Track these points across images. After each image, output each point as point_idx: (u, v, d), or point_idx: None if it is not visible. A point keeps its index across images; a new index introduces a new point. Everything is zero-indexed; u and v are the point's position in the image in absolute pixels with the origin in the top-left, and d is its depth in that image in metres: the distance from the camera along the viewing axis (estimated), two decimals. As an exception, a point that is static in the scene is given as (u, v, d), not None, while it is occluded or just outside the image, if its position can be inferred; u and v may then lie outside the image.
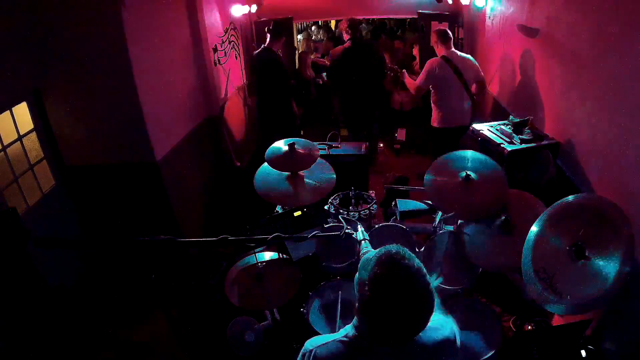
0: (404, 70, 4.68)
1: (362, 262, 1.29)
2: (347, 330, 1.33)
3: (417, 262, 1.23)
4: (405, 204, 3.32)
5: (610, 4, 2.46)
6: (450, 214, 2.50)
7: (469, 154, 2.56)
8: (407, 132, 6.19)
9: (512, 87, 4.19)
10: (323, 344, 1.32)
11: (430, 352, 1.31)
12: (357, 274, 1.29)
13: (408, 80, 4.58)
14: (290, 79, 5.51)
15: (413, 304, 1.18)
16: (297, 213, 2.57)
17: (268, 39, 5.05)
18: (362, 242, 2.21)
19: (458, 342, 1.39)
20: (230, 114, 5.46)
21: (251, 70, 5.58)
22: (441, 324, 1.39)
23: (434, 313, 1.28)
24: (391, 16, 7.80)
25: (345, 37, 5.04)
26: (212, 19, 4.88)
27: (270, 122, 5.46)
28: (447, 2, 5.56)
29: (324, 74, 6.49)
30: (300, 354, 1.36)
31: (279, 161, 2.68)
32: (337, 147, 3.85)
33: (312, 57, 6.98)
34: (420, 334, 1.29)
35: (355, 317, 1.32)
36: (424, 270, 1.23)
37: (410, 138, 6.18)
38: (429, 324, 1.33)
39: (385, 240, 2.50)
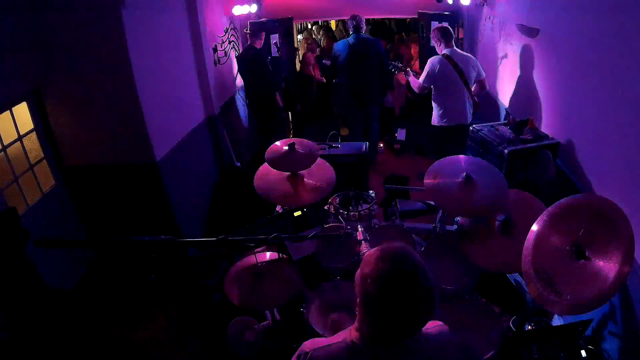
0: (408, 69, 4.67)
1: (364, 259, 1.28)
2: (346, 334, 1.32)
3: (418, 257, 1.23)
4: (405, 204, 3.32)
5: (610, 3, 2.47)
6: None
7: (468, 157, 2.57)
8: (407, 132, 6.19)
9: (512, 87, 4.19)
10: (321, 347, 1.31)
11: (430, 356, 1.31)
12: (358, 272, 1.27)
13: (412, 79, 4.57)
14: (274, 75, 5.58)
15: (417, 297, 1.17)
16: (297, 213, 2.57)
17: (249, 39, 5.25)
18: (362, 242, 2.21)
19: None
20: (230, 114, 5.47)
21: (239, 71, 5.66)
22: (440, 330, 1.38)
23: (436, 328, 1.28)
24: (391, 16, 7.80)
25: (350, 32, 5.08)
26: (212, 19, 4.89)
27: (261, 118, 5.62)
28: (447, 2, 5.56)
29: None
30: (296, 355, 1.35)
31: (279, 161, 2.68)
32: (337, 147, 3.85)
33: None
34: (423, 341, 1.29)
35: (356, 320, 1.31)
36: (425, 266, 1.23)
37: (410, 138, 6.18)
38: (432, 333, 1.33)
39: (385, 241, 2.51)
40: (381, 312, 1.19)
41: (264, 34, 5.39)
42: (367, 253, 1.28)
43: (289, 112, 6.32)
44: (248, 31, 5.33)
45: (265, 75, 5.37)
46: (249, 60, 5.30)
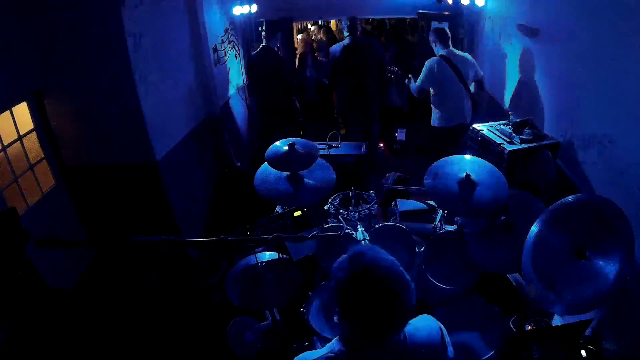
0: (410, 75, 4.66)
1: (336, 265, 1.31)
2: (333, 345, 1.34)
3: (390, 257, 1.27)
4: (405, 204, 3.32)
5: (610, 3, 2.47)
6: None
7: (468, 157, 2.56)
8: (407, 132, 6.19)
9: (512, 87, 4.19)
10: None
11: (416, 355, 1.32)
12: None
13: (413, 84, 4.56)
14: (291, 77, 5.51)
15: (386, 290, 1.20)
16: (297, 213, 2.57)
17: (264, 39, 5.10)
18: (362, 242, 2.21)
19: (446, 339, 1.39)
20: (230, 114, 5.46)
21: (250, 71, 5.59)
22: (424, 325, 1.39)
23: (418, 317, 1.30)
24: (391, 16, 7.80)
25: (345, 34, 5.05)
26: (212, 19, 4.89)
27: (272, 121, 5.47)
28: (447, 2, 5.56)
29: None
30: None
31: (279, 161, 2.68)
32: (337, 147, 3.85)
33: (317, 55, 6.96)
34: (405, 338, 1.29)
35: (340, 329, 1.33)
36: (397, 262, 1.26)
37: (410, 138, 6.18)
38: (413, 326, 1.34)
39: (385, 240, 2.51)
40: (355, 310, 1.22)
41: (280, 33, 5.27)
42: (337, 261, 1.31)
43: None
44: (263, 29, 5.12)
45: (283, 78, 5.23)
46: (267, 62, 5.10)
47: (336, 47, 5.13)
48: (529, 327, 2.31)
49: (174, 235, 1.59)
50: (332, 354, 1.30)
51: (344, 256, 1.30)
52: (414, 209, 3.28)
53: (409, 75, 4.64)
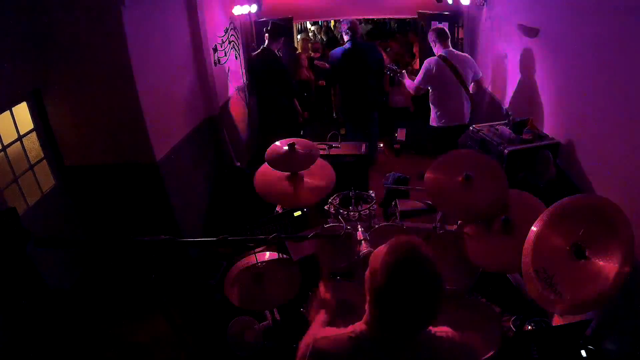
0: (404, 71, 4.67)
1: (373, 254, 1.29)
2: (355, 327, 1.33)
3: (426, 249, 1.25)
4: (405, 204, 3.32)
5: (610, 3, 2.47)
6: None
7: (469, 153, 2.56)
8: (407, 132, 6.19)
9: (511, 87, 4.19)
10: (326, 336, 1.32)
11: (432, 353, 1.31)
12: (367, 269, 1.29)
13: (408, 80, 4.57)
14: (291, 79, 5.52)
15: (424, 287, 1.19)
16: (297, 213, 2.58)
17: (267, 40, 5.08)
18: (362, 242, 2.21)
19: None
20: (230, 114, 5.46)
21: (250, 71, 5.58)
22: (447, 335, 1.38)
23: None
24: (391, 16, 7.80)
25: (345, 38, 5.04)
26: (212, 19, 4.89)
27: (271, 122, 5.47)
28: (447, 2, 5.56)
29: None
30: (304, 342, 1.36)
31: (279, 161, 2.68)
32: (337, 147, 3.85)
33: (312, 55, 6.96)
34: (426, 340, 1.29)
35: (365, 315, 1.32)
36: (433, 259, 1.24)
37: (410, 138, 6.18)
38: (436, 334, 1.34)
39: (385, 241, 2.51)
40: (389, 303, 1.20)
41: (283, 39, 5.24)
42: (377, 249, 1.29)
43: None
44: (267, 30, 5.09)
45: (283, 80, 5.22)
46: (266, 63, 5.10)
47: (337, 51, 5.11)
48: (529, 327, 2.31)
49: (174, 235, 1.59)
50: (352, 334, 1.30)
51: (381, 246, 1.28)
52: (414, 209, 3.28)
53: (402, 71, 4.64)
